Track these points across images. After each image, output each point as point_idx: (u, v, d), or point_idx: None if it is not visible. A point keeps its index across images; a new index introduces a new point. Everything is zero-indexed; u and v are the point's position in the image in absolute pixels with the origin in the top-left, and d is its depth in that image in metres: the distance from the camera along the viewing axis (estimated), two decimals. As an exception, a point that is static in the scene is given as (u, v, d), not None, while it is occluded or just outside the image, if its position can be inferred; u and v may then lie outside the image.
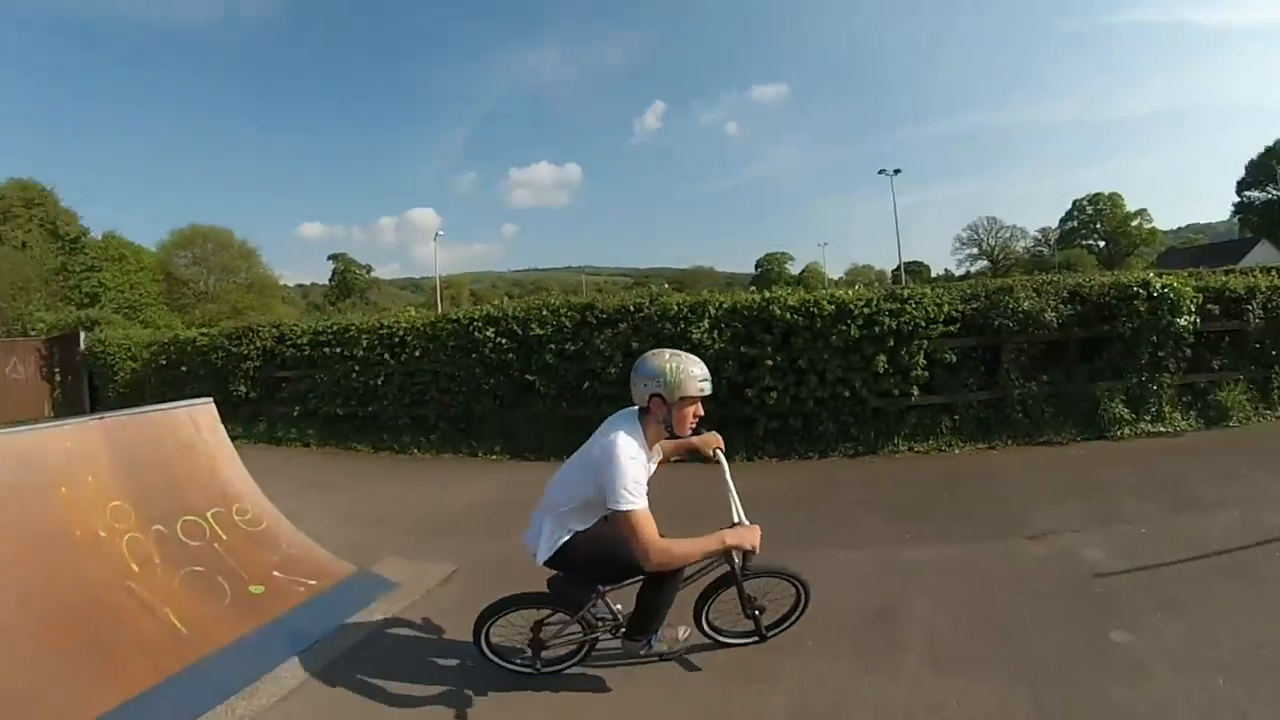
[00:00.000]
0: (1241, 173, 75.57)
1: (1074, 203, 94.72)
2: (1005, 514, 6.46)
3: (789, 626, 4.28)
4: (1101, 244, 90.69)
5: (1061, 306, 9.38)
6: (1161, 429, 9.18)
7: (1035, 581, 4.96)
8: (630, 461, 3.39)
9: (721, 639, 4.21)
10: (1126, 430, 9.11)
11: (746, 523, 3.68)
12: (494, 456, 9.73)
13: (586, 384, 9.51)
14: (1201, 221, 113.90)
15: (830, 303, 8.75)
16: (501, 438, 10.02)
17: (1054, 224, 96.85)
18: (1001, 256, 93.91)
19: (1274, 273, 11.04)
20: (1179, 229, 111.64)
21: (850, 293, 9.02)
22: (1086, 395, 9.32)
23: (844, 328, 8.62)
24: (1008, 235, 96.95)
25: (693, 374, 3.54)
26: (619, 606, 3.98)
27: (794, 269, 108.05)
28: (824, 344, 8.69)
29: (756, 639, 4.20)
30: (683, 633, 4.11)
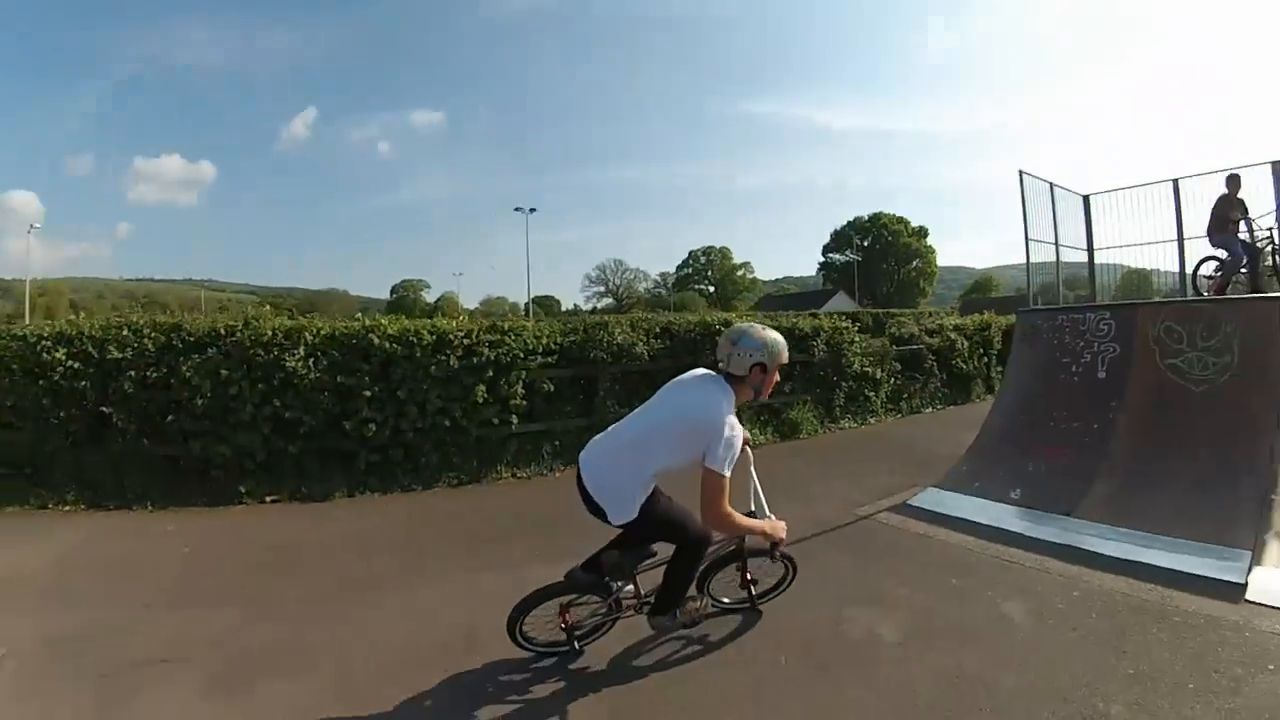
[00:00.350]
0: (827, 239, 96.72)
1: (690, 252, 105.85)
2: (588, 532, 6.60)
3: (776, 596, 4.79)
4: (712, 289, 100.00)
5: (654, 341, 10.23)
6: None
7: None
8: (736, 433, 3.65)
9: (720, 605, 4.66)
10: (712, 446, 9.97)
11: (768, 512, 4.18)
12: (67, 507, 7.97)
13: (171, 417, 8.19)
14: (795, 275, 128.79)
15: (430, 333, 8.52)
16: (76, 483, 8.27)
17: (672, 269, 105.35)
18: (625, 295, 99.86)
19: (836, 317, 13.02)
20: (777, 279, 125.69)
21: (451, 323, 8.90)
22: (679, 418, 10.01)
23: (443, 358, 8.43)
24: (632, 277, 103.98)
25: (784, 344, 3.96)
26: (631, 595, 4.20)
27: (430, 297, 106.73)
28: (424, 374, 8.41)
29: (749, 606, 4.67)
30: (702, 602, 4.39)
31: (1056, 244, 10.12)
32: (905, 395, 13.38)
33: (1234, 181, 9.73)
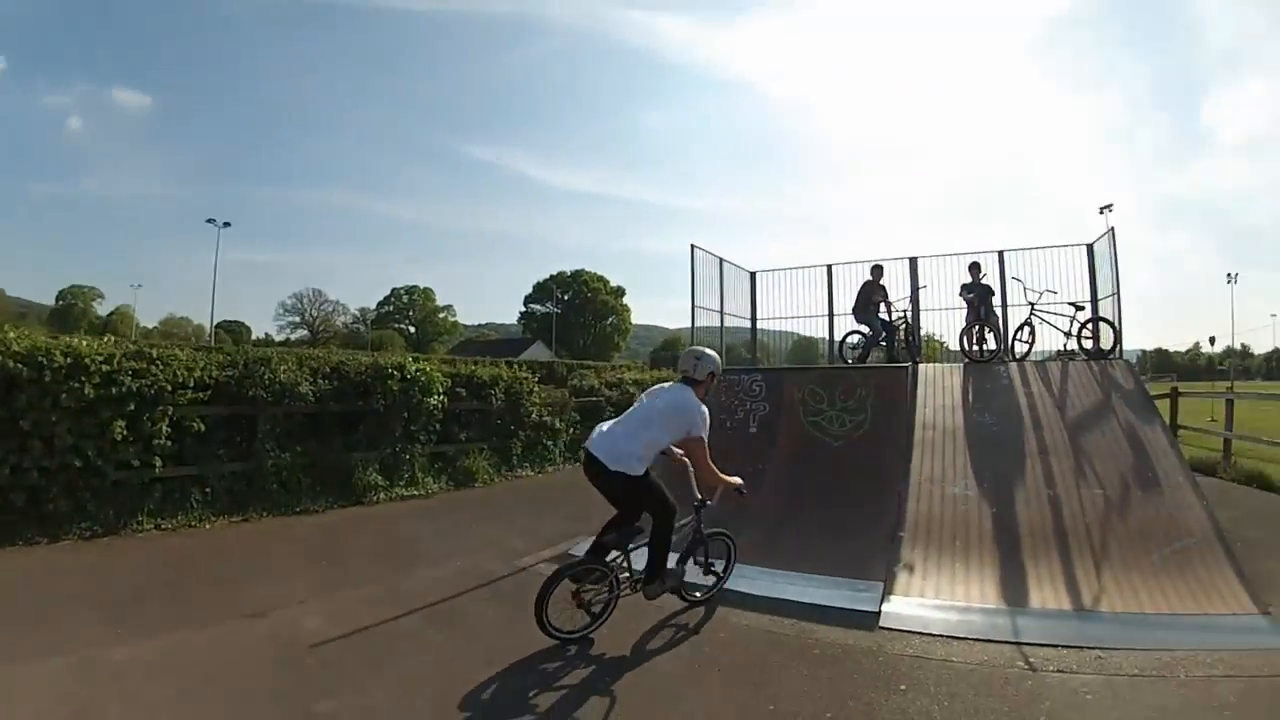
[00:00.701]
0: (530, 289, 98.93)
1: (393, 290, 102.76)
2: (238, 591, 6.08)
3: (731, 570, 6.21)
4: (412, 329, 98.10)
5: (321, 381, 9.76)
6: (415, 493, 10.16)
7: (247, 663, 4.66)
8: (706, 414, 5.42)
9: (694, 600, 5.96)
10: (382, 496, 9.77)
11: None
12: None
13: None
14: (498, 321, 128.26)
15: (64, 354, 7.43)
16: None
17: (374, 305, 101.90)
18: (322, 329, 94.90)
19: (516, 367, 13.31)
20: (479, 325, 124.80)
21: (89, 344, 7.85)
22: (344, 465, 9.70)
23: (78, 385, 7.40)
24: (330, 309, 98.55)
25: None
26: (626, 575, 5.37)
27: (104, 309, 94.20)
28: (53, 403, 7.32)
29: (716, 588, 6.12)
30: (680, 569, 5.74)
31: (721, 312, 11.24)
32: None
33: (878, 270, 11.52)
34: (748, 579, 6.36)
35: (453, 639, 5.08)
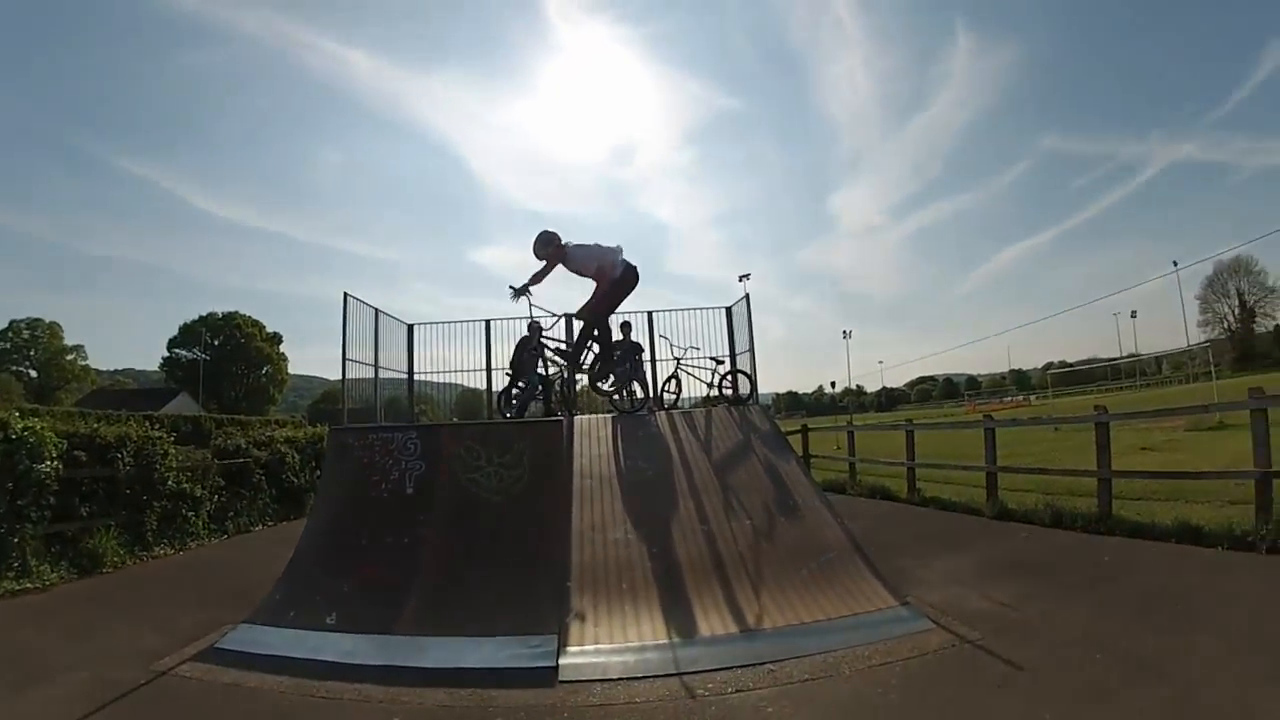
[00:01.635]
0: (175, 332, 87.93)
1: (11, 322, 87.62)
2: None
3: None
4: (34, 373, 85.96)
5: None
6: (27, 585, 8.51)
7: None
8: None
9: None
10: (-14, 591, 8.06)
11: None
12: None
13: None
14: (138, 368, 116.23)
15: None
16: None
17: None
18: (-81, 366, 79.67)
19: (148, 424, 11.89)
20: (115, 371, 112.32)
21: None
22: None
23: None
24: None
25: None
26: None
27: None
28: None
29: None
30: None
31: (376, 365, 10.92)
32: (232, 513, 12.77)
33: (534, 326, 11.55)
34: (416, 651, 6.13)
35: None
